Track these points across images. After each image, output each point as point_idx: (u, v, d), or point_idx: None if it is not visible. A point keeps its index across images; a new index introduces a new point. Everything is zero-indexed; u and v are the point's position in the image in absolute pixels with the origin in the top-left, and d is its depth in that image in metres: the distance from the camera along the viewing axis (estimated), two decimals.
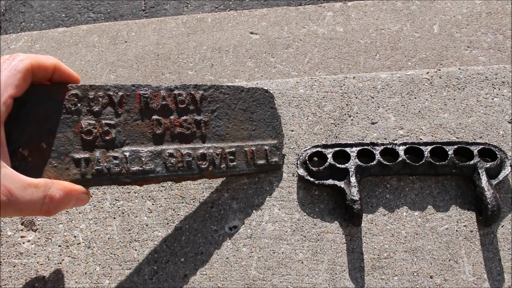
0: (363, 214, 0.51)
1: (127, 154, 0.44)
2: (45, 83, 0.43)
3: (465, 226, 0.50)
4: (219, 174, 0.49)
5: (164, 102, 0.47)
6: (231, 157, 0.49)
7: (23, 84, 0.39)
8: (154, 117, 0.46)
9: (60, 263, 0.51)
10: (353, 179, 0.50)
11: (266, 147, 0.52)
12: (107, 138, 0.44)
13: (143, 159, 0.45)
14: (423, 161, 0.51)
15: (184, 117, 0.48)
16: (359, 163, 0.51)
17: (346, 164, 0.51)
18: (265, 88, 0.55)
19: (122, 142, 0.44)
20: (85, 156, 0.42)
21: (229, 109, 0.51)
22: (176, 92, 0.47)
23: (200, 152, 0.47)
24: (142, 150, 0.45)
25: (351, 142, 0.53)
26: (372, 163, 0.51)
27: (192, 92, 0.48)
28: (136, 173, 0.44)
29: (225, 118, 0.50)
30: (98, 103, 0.44)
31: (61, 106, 0.42)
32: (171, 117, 0.47)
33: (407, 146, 0.52)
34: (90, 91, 0.44)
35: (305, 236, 0.51)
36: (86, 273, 0.50)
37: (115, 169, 0.43)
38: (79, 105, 0.43)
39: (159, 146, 0.46)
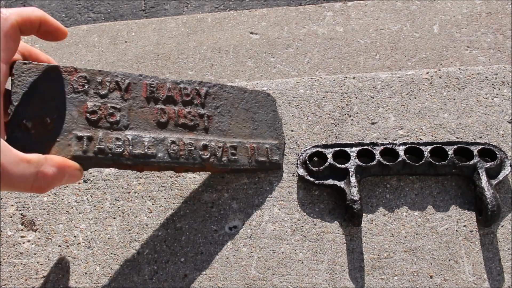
0: (363, 214, 0.51)
1: (129, 137, 0.45)
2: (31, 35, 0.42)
3: (465, 226, 0.50)
4: (220, 167, 0.49)
5: (169, 93, 0.48)
6: (232, 150, 0.50)
7: (13, 45, 0.38)
8: (159, 106, 0.47)
9: (60, 263, 0.51)
10: (353, 179, 0.50)
11: (267, 146, 0.52)
12: (111, 120, 0.44)
13: (145, 144, 0.45)
14: (423, 161, 0.51)
15: (188, 109, 0.49)
16: (359, 163, 0.51)
17: (346, 164, 0.51)
18: (267, 92, 0.56)
19: (126, 126, 0.45)
20: (88, 134, 0.43)
21: (232, 107, 0.51)
22: (181, 85, 0.49)
23: (202, 143, 0.48)
24: (145, 136, 0.46)
25: (351, 142, 0.53)
26: (372, 163, 0.51)
27: (197, 88, 0.50)
28: (138, 156, 0.45)
29: (228, 115, 0.51)
30: (105, 87, 0.45)
31: (69, 86, 0.43)
32: (175, 108, 0.48)
33: (407, 146, 0.52)
34: (98, 75, 0.45)
35: (305, 236, 0.51)
36: (86, 273, 0.50)
37: (117, 150, 0.44)
38: (86, 86, 0.44)
39: (162, 134, 0.47)
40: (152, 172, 0.55)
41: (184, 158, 0.47)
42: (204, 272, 0.50)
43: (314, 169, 0.51)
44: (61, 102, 0.43)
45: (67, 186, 0.55)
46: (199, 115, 0.49)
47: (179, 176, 0.55)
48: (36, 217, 0.54)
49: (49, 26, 0.42)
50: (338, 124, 0.57)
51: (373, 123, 0.56)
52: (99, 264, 0.51)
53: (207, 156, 0.48)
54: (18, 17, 0.38)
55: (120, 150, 0.44)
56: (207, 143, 0.48)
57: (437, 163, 0.51)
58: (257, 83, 0.61)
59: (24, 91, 0.41)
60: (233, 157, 0.50)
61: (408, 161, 0.51)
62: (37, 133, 0.41)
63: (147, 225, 0.53)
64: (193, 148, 0.47)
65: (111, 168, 0.53)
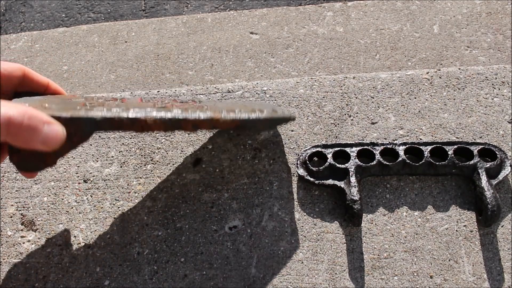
0: (363, 214, 0.51)
1: (132, 112, 0.40)
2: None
3: (465, 226, 0.50)
4: (230, 119, 0.44)
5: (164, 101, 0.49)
6: (237, 109, 0.46)
7: None
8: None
9: (60, 263, 0.51)
10: (353, 179, 0.50)
11: (271, 108, 0.50)
12: (110, 101, 0.46)
13: (148, 110, 0.41)
14: (423, 161, 0.51)
15: (185, 102, 0.50)
16: (359, 163, 0.51)
17: (346, 164, 0.51)
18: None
19: (127, 110, 0.42)
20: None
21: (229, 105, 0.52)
22: (177, 99, 0.52)
23: (205, 108, 0.45)
24: (146, 109, 0.42)
25: (351, 142, 0.53)
26: (372, 163, 0.51)
27: (191, 100, 0.52)
28: (139, 112, 0.40)
29: (225, 104, 0.51)
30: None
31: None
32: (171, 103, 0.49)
33: (407, 146, 0.52)
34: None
35: (305, 236, 0.51)
36: (86, 273, 0.50)
37: (119, 112, 0.40)
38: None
39: (163, 110, 0.42)
40: (152, 172, 0.55)
41: (189, 114, 0.42)
42: (204, 272, 0.50)
43: (314, 169, 0.51)
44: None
45: (67, 186, 0.55)
46: (196, 106, 0.47)
47: (179, 176, 0.55)
48: (36, 217, 0.54)
49: (31, 82, 0.43)
50: (338, 124, 0.57)
51: (373, 123, 0.56)
52: (99, 264, 0.51)
53: (214, 111, 0.44)
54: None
55: (121, 109, 0.40)
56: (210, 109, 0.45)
57: (437, 163, 0.51)
58: (257, 83, 0.61)
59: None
60: (240, 112, 0.45)
61: (408, 161, 0.51)
62: None
63: (147, 225, 0.52)
64: (197, 109, 0.44)
65: (112, 165, 0.53)
